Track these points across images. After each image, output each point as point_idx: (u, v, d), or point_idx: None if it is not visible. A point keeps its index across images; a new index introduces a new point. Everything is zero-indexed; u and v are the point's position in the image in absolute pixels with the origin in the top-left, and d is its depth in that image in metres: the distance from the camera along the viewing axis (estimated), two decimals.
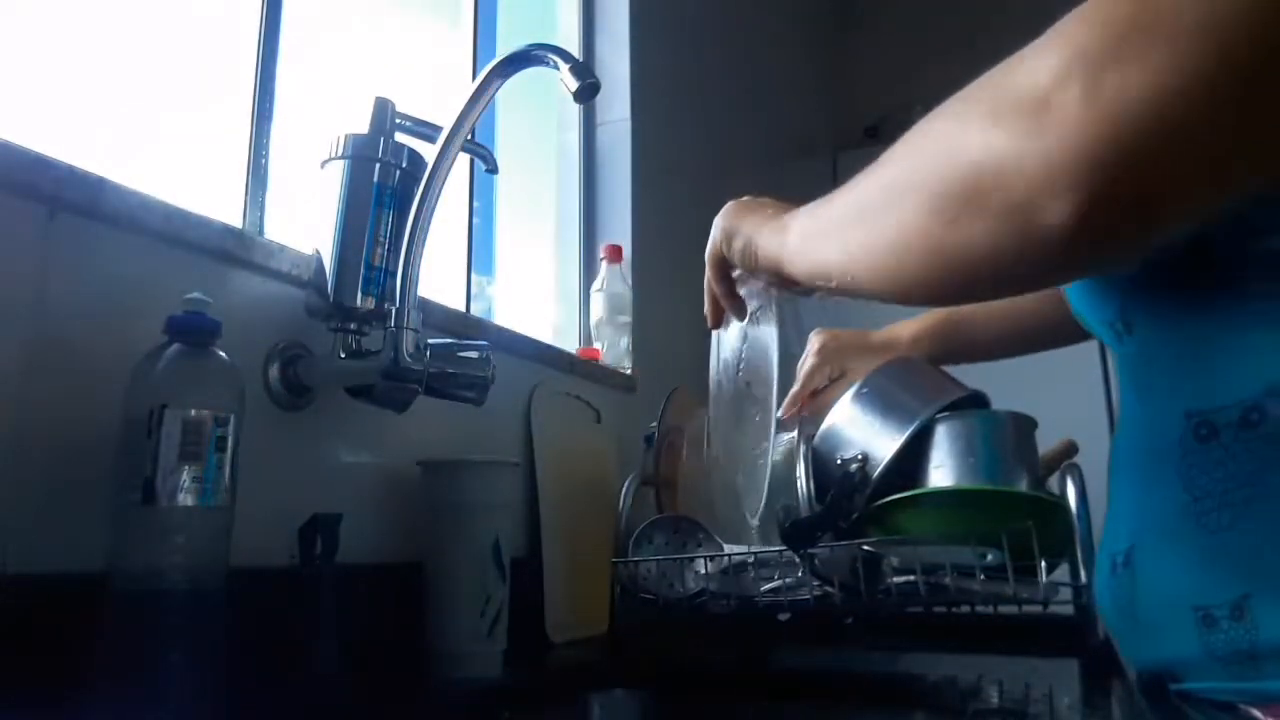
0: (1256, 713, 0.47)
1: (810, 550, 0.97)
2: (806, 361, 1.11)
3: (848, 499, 0.98)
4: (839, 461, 1.01)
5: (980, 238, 0.39)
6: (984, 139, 0.38)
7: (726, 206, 0.71)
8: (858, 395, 1.04)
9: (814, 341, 1.12)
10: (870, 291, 0.52)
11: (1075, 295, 0.58)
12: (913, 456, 1.00)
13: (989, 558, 0.93)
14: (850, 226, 0.51)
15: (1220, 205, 0.39)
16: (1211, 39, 0.33)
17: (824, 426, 1.05)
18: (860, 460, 1.00)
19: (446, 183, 0.86)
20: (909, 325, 1.11)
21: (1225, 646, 0.47)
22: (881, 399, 1.03)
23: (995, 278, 0.43)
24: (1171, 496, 0.50)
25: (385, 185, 0.86)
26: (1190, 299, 0.49)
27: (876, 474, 1.00)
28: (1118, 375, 0.60)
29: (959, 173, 0.40)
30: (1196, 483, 0.49)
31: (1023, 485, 0.98)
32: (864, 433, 1.03)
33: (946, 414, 1.01)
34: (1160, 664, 0.53)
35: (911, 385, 1.05)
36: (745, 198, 0.72)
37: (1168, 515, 0.50)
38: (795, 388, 1.10)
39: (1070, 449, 1.05)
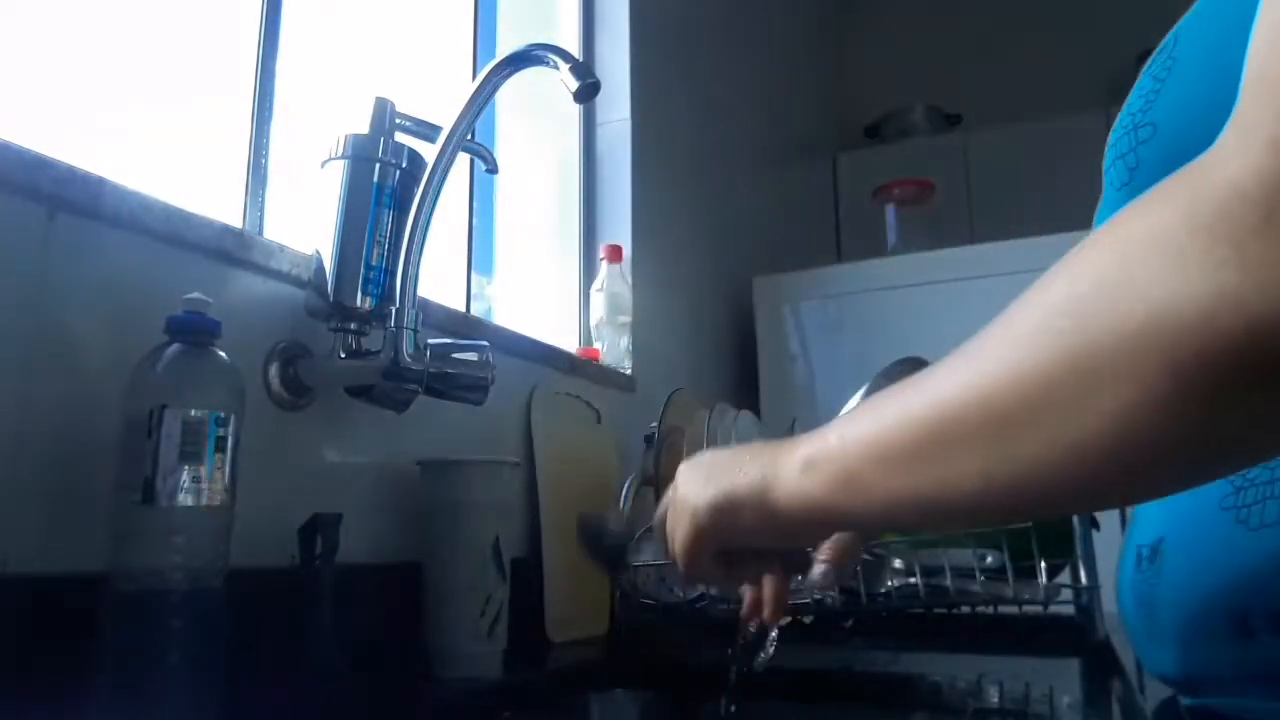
0: None
1: None
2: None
3: None
4: None
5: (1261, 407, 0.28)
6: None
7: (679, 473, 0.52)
8: (867, 398, 1.04)
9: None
10: (997, 518, 0.40)
11: None
12: None
13: (988, 559, 0.93)
14: (1005, 429, 0.35)
15: None
16: None
17: None
18: None
19: (446, 183, 0.86)
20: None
21: (1263, 663, 0.39)
22: None
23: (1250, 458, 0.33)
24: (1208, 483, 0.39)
25: (385, 185, 0.86)
26: None
27: None
28: None
29: (1237, 323, 0.28)
30: None
31: None
32: None
33: None
34: (1179, 675, 0.45)
35: None
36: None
37: (1202, 505, 0.42)
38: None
39: None
